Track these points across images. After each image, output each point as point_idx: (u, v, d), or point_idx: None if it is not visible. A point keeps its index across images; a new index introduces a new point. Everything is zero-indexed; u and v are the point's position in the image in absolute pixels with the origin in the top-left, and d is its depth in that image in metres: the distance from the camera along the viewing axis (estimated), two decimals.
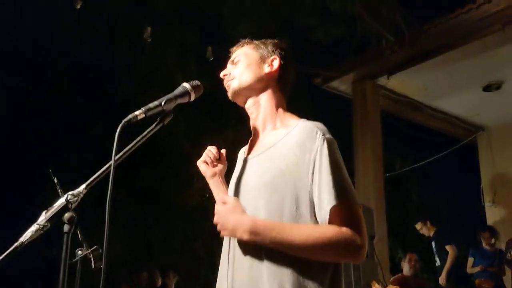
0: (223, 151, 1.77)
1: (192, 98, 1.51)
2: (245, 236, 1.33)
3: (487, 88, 5.95)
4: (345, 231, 1.30)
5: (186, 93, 1.49)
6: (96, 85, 6.48)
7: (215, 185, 1.73)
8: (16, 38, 5.80)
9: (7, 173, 6.21)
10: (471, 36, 4.89)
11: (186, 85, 1.50)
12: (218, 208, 1.43)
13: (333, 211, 1.31)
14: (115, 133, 1.33)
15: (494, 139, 7.15)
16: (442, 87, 5.96)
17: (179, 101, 1.48)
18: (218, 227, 1.40)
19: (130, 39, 6.15)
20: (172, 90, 1.54)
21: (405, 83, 5.88)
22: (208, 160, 1.73)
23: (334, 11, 5.32)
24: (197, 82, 1.52)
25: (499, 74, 5.69)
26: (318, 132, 1.40)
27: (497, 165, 6.99)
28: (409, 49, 5.16)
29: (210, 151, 1.75)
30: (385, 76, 5.66)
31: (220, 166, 1.74)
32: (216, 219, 1.41)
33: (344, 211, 1.32)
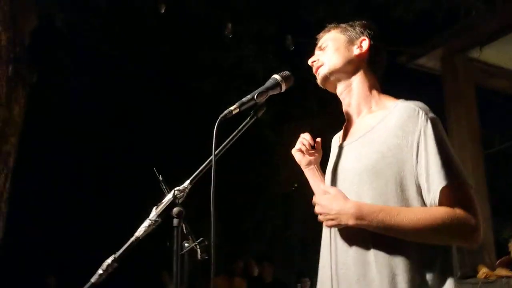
0: (319, 139, 1.74)
1: (283, 89, 1.53)
2: (351, 222, 1.30)
3: None
4: (458, 212, 1.25)
5: (277, 84, 1.51)
6: (184, 85, 6.77)
7: (311, 174, 1.72)
8: (106, 45, 6.18)
9: (115, 174, 6.73)
10: None
11: (276, 76, 1.52)
12: (318, 198, 1.40)
13: (443, 192, 1.26)
14: (208, 129, 1.38)
15: None
16: None
17: (271, 93, 1.50)
18: (321, 217, 1.38)
19: (211, 37, 6.31)
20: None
21: (499, 53, 5.46)
22: (303, 148, 1.72)
23: None
24: (287, 73, 1.53)
25: None
26: (421, 112, 1.35)
27: None
28: (502, 17, 4.78)
29: (305, 138, 1.73)
30: (477, 48, 5.30)
31: (315, 155, 1.72)
32: (318, 209, 1.39)
33: (455, 191, 1.26)
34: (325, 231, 1.48)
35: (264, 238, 8.87)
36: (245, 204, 8.74)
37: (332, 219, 1.34)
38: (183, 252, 1.79)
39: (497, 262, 5.11)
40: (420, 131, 1.32)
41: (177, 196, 1.35)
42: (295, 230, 8.69)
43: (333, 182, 1.51)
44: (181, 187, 1.36)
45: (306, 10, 6.74)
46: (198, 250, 1.82)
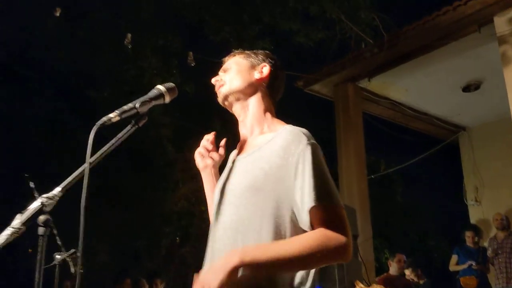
0: (223, 141, 1.78)
1: (167, 100, 1.53)
2: (235, 259, 1.28)
3: (466, 89, 6.05)
4: (328, 233, 1.31)
5: (160, 95, 1.50)
6: (79, 92, 6.49)
7: (205, 177, 1.76)
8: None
9: None
10: (448, 37, 4.97)
11: (160, 87, 1.51)
12: (199, 276, 1.35)
13: (315, 212, 1.32)
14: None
15: (475, 138, 7.27)
16: (422, 88, 6.04)
17: (154, 103, 1.49)
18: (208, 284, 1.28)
19: (113, 46, 6.15)
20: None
21: (385, 85, 5.96)
22: (202, 151, 1.76)
23: (314, 15, 5.38)
24: (171, 85, 1.54)
25: (477, 75, 5.79)
26: (303, 137, 1.44)
27: (479, 163, 7.09)
28: (389, 51, 5.22)
29: (207, 139, 1.77)
30: (366, 78, 5.73)
31: (215, 158, 1.76)
32: (202, 277, 1.32)
33: (325, 212, 1.33)
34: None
35: (159, 255, 8.66)
36: (140, 220, 8.50)
37: (219, 270, 1.29)
38: (53, 264, 1.71)
39: (377, 278, 5.47)
40: (300, 154, 1.40)
41: (45, 203, 1.28)
42: (190, 247, 8.61)
43: (221, 192, 1.55)
44: (50, 194, 1.29)
45: (211, 30, 6.84)
46: (70, 263, 1.75)
